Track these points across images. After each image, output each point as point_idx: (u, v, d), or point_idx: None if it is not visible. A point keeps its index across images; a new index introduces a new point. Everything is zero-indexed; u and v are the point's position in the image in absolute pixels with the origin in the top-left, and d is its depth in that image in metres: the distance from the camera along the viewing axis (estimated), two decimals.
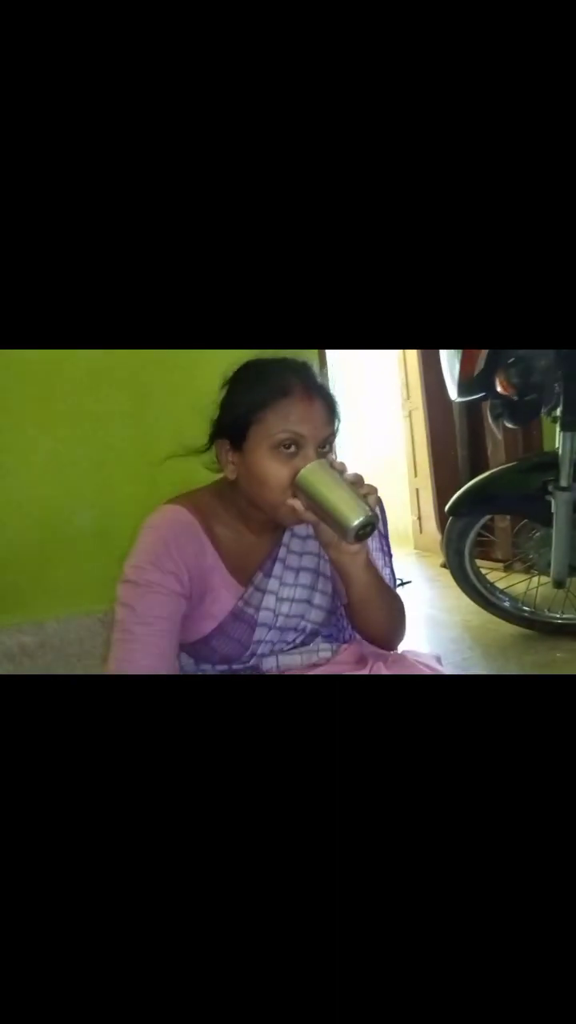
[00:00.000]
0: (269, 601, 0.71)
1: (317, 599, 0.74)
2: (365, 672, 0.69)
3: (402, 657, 0.75)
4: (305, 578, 0.73)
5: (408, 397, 2.81)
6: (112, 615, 1.72)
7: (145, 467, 1.57)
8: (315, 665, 0.76)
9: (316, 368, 0.66)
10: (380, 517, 0.83)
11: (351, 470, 0.63)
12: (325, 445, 0.64)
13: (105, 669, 0.63)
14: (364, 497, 0.60)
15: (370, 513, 0.59)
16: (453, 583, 1.46)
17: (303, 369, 0.63)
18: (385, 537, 0.84)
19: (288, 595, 0.72)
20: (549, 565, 1.26)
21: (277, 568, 0.71)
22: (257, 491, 0.63)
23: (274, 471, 0.61)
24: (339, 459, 0.65)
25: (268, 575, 0.71)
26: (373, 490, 0.62)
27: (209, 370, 0.72)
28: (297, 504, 0.60)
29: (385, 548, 0.84)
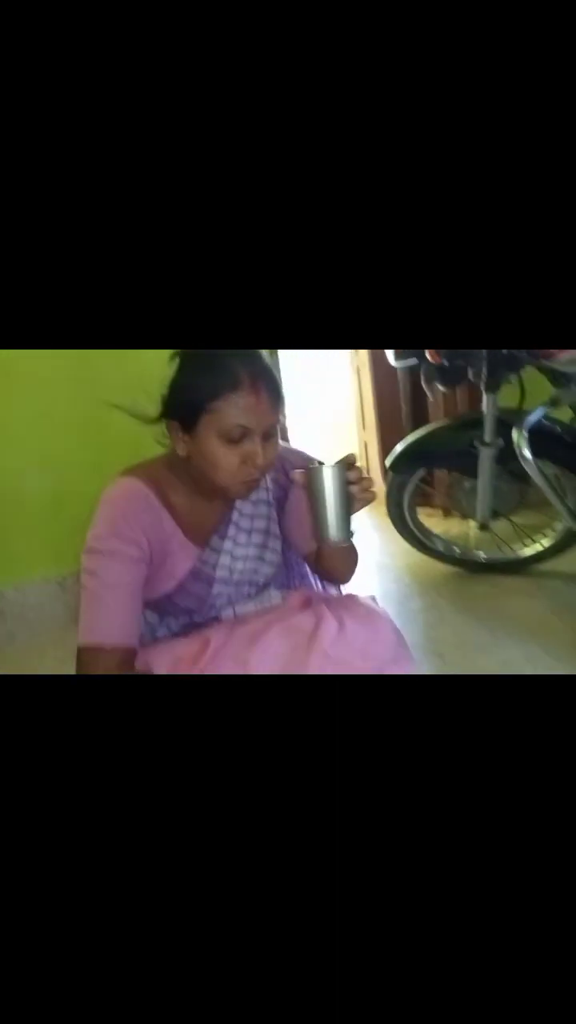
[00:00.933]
0: (224, 560, 0.78)
1: (268, 555, 0.82)
2: (310, 613, 0.80)
3: (343, 599, 0.86)
4: (256, 538, 0.81)
5: (356, 353, 2.85)
6: (70, 580, 1.77)
7: (93, 432, 1.58)
8: (268, 611, 0.86)
9: (260, 352, 0.69)
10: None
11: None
12: (270, 433, 0.69)
13: (78, 634, 0.69)
14: (352, 511, 0.66)
15: (348, 536, 0.66)
16: (394, 531, 1.61)
17: (249, 359, 0.66)
18: None
19: (241, 554, 0.80)
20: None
21: (231, 530, 0.79)
22: (209, 472, 0.69)
23: (224, 456, 0.67)
24: (355, 460, 0.68)
25: (223, 537, 0.78)
26: (372, 496, 0.67)
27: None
28: (297, 477, 0.67)
29: None
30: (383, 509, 1.63)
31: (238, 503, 0.79)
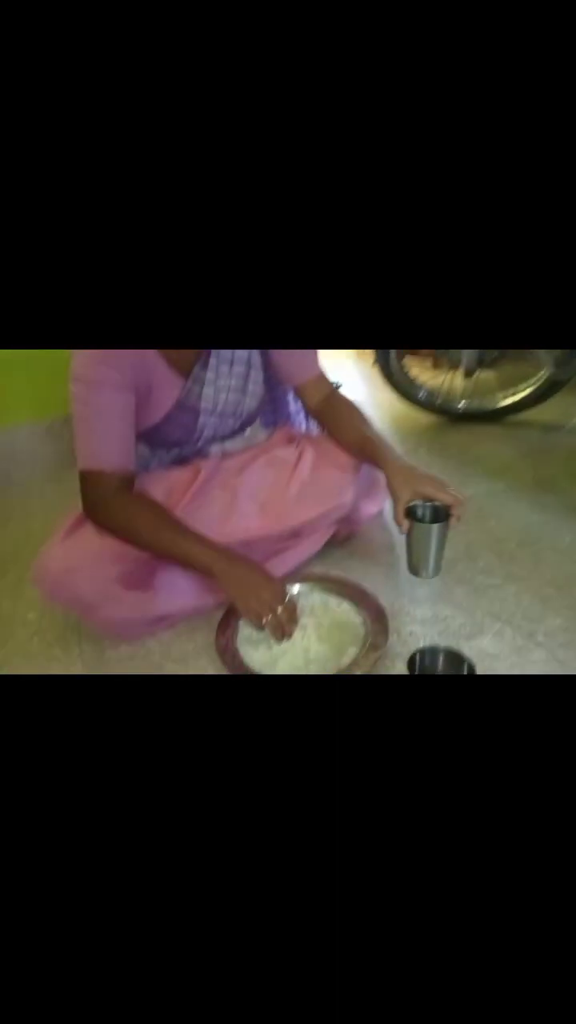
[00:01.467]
0: (208, 391, 0.81)
1: (251, 387, 0.85)
2: (293, 447, 0.87)
3: (322, 438, 0.92)
4: (239, 368, 0.83)
5: None
6: (57, 424, 1.77)
7: None
8: (254, 446, 0.92)
9: None
10: None
11: None
12: None
13: (77, 460, 0.74)
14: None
15: (434, 575, 0.84)
16: (380, 382, 1.61)
17: None
18: None
19: (224, 384, 0.82)
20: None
21: (212, 360, 0.80)
22: None
23: None
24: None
25: (204, 367, 0.80)
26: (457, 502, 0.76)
27: None
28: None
29: None
30: (371, 360, 1.61)
31: None
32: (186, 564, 0.73)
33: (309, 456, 0.85)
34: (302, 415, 1.00)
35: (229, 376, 0.82)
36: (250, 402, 0.87)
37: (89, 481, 0.74)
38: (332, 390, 0.88)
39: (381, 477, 0.82)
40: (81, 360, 0.71)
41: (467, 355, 1.38)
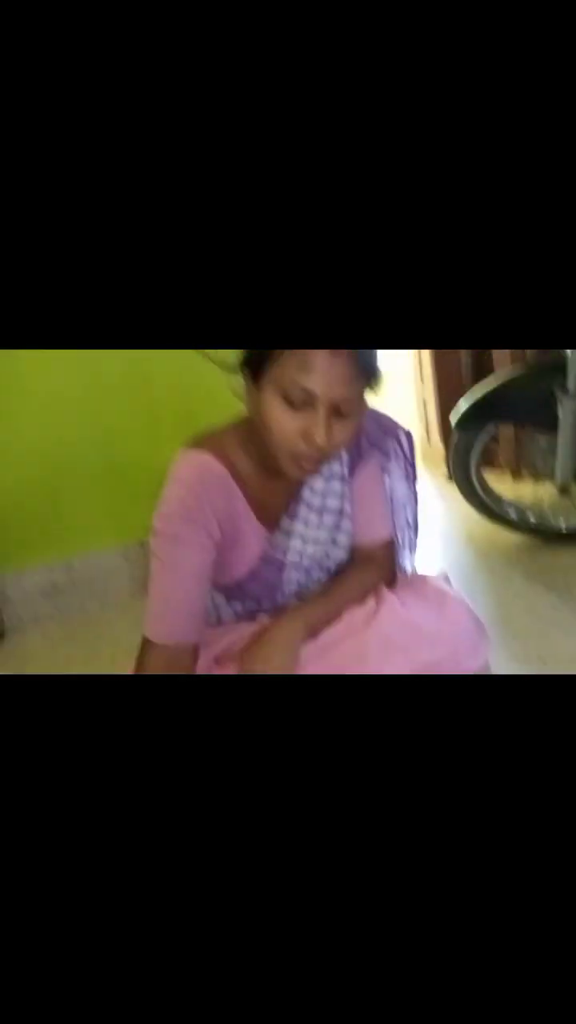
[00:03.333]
0: (296, 543, 0.72)
1: (341, 538, 0.75)
2: (374, 599, 0.73)
3: (410, 579, 0.79)
4: (329, 518, 0.74)
5: None
6: (133, 550, 1.80)
7: (145, 402, 1.56)
8: None
9: None
10: (410, 445, 0.83)
11: None
12: (344, 408, 0.58)
13: (144, 621, 0.66)
14: None
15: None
16: (456, 496, 1.48)
17: None
18: (413, 465, 0.83)
19: (313, 536, 0.73)
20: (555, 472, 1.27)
21: (302, 510, 0.72)
22: (265, 433, 0.61)
23: (279, 420, 0.58)
24: None
25: (293, 518, 0.72)
26: None
27: None
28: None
29: (411, 474, 0.84)
30: (443, 472, 1.51)
31: (309, 479, 0.72)
32: None
33: (392, 607, 0.71)
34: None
35: (319, 527, 0.74)
36: (339, 553, 0.77)
37: (150, 652, 0.66)
38: (384, 561, 0.77)
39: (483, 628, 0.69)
40: (164, 512, 0.64)
41: (560, 467, 1.24)
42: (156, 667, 0.65)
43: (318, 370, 0.56)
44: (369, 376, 0.61)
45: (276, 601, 0.77)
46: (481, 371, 1.92)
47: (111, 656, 1.23)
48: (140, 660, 0.66)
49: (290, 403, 0.57)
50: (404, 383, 2.93)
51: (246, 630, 0.75)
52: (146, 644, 0.66)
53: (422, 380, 2.71)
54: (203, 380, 0.66)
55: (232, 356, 0.64)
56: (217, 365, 0.66)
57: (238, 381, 0.65)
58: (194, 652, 0.67)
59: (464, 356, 2.01)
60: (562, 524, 1.40)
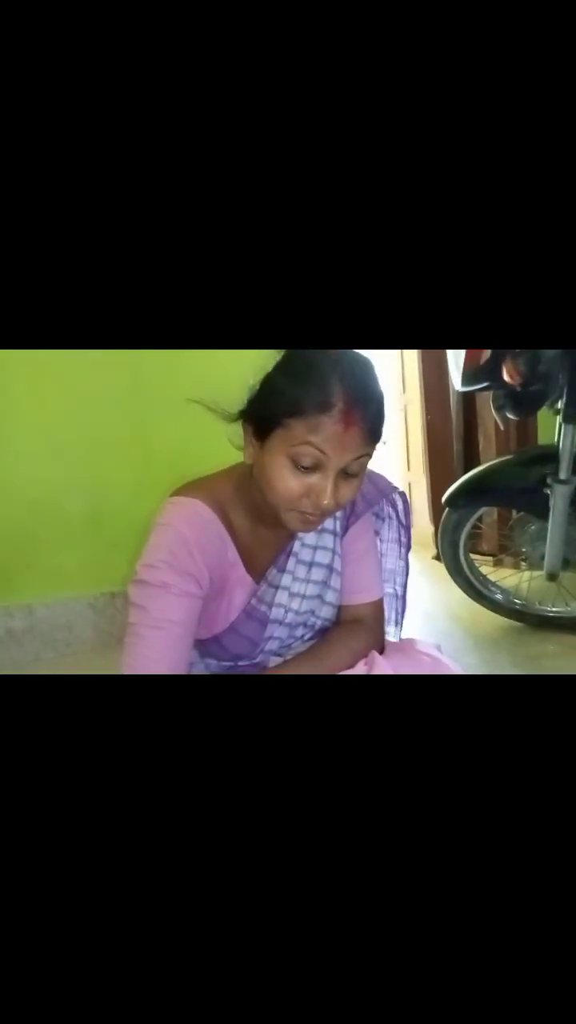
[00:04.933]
0: (282, 597, 0.68)
1: (329, 595, 0.71)
2: (365, 665, 0.68)
3: (402, 645, 0.74)
4: (318, 573, 0.70)
5: (404, 391, 2.80)
6: (102, 601, 1.69)
7: (139, 450, 1.55)
8: None
9: (371, 370, 0.58)
10: (406, 508, 0.81)
11: None
12: (352, 470, 0.57)
13: (120, 669, 0.59)
14: None
15: None
16: (442, 577, 1.47)
17: (353, 379, 0.54)
18: (407, 529, 0.81)
19: (300, 591, 0.69)
20: (542, 559, 1.27)
21: (291, 563, 0.68)
22: (267, 490, 0.59)
23: (285, 481, 0.56)
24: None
25: (281, 570, 0.68)
26: None
27: (206, 352, 0.68)
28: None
29: (404, 540, 0.82)
30: (430, 552, 1.51)
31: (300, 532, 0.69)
32: None
33: (382, 670, 0.65)
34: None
35: (306, 581, 0.69)
36: (326, 611, 0.72)
37: None
38: (373, 623, 0.73)
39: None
40: (149, 561, 0.59)
41: (551, 553, 1.24)
42: None
43: (332, 440, 0.54)
44: (377, 437, 0.60)
45: (253, 658, 0.70)
46: (470, 461, 2.00)
47: None
48: None
49: (296, 466, 0.56)
50: (391, 470, 3.03)
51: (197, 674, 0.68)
52: None
53: (409, 467, 2.81)
54: (199, 435, 0.66)
55: (231, 407, 0.63)
56: (218, 415, 0.64)
57: (236, 430, 0.63)
58: None
59: (456, 444, 2.10)
60: (548, 610, 1.38)
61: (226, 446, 0.68)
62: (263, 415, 0.58)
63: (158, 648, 0.58)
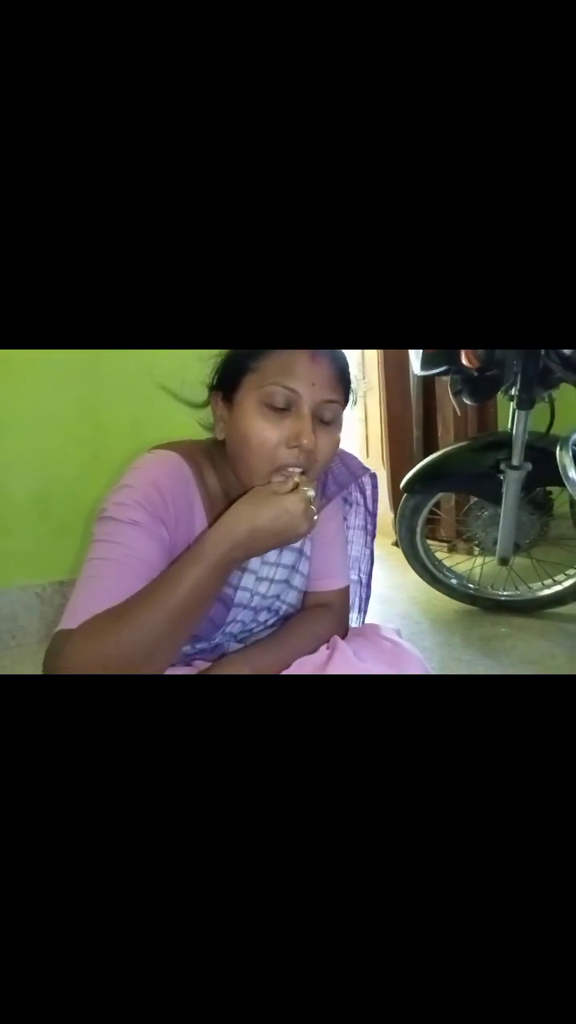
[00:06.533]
0: (248, 580, 0.65)
1: (296, 580, 0.69)
2: (327, 648, 0.67)
3: (363, 629, 0.74)
4: (288, 557, 0.68)
5: (364, 377, 2.80)
6: (49, 590, 1.61)
7: (89, 431, 1.47)
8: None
9: None
10: (374, 493, 0.80)
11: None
12: (326, 415, 0.56)
13: (67, 612, 0.52)
14: None
15: None
16: (400, 563, 1.49)
17: None
18: (373, 516, 0.81)
19: (268, 575, 0.66)
20: (495, 544, 1.31)
21: None
22: (241, 454, 0.56)
23: (259, 430, 0.54)
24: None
25: None
26: None
27: None
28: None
29: (369, 527, 0.81)
30: (390, 539, 1.52)
31: None
32: (201, 590, 0.51)
33: (345, 657, 0.64)
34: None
35: (276, 565, 0.67)
36: (292, 596, 0.70)
37: (58, 648, 0.51)
38: (339, 609, 0.73)
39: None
40: (118, 498, 0.54)
41: (503, 537, 1.28)
42: (78, 666, 0.49)
43: (299, 371, 0.53)
44: (346, 385, 0.59)
45: (213, 641, 0.68)
46: (428, 447, 2.03)
47: None
48: (56, 656, 0.50)
49: (271, 407, 0.54)
50: (352, 452, 3.04)
51: (176, 674, 0.65)
52: (57, 638, 0.51)
53: (368, 453, 2.83)
54: (154, 412, 0.62)
55: (199, 395, 0.60)
56: (186, 403, 0.62)
57: (205, 414, 0.61)
58: None
59: (415, 431, 2.12)
60: (500, 593, 1.42)
61: (183, 424, 0.64)
62: (230, 369, 0.56)
63: (122, 584, 0.51)
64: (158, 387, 0.63)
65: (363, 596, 0.88)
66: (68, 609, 0.51)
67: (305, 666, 0.63)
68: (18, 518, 1.42)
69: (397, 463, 2.21)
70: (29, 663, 1.29)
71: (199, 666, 0.66)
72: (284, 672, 0.62)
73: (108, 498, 0.56)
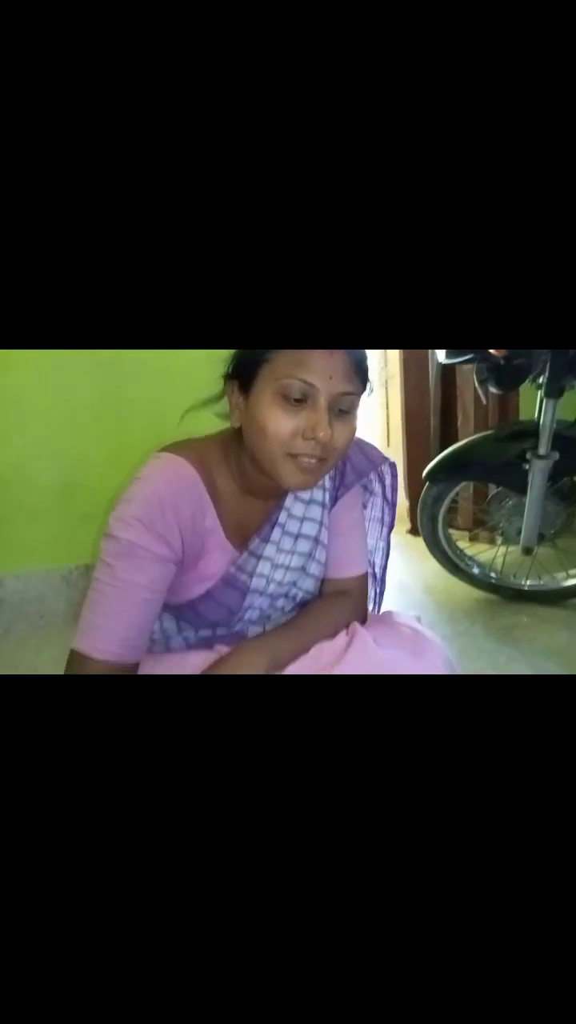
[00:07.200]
0: (264, 568, 0.66)
1: (313, 568, 0.70)
2: (347, 635, 0.68)
3: (383, 617, 0.74)
4: (304, 545, 0.68)
5: (386, 365, 2.77)
6: (75, 574, 1.66)
7: (113, 419, 1.49)
8: None
9: None
10: (393, 483, 0.80)
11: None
12: (343, 406, 0.56)
13: (78, 633, 0.57)
14: None
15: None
16: (418, 550, 1.48)
17: None
18: (392, 506, 0.81)
19: (284, 562, 0.67)
20: (519, 533, 1.29)
21: (276, 533, 0.66)
22: (257, 442, 0.57)
23: (275, 420, 0.54)
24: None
25: (266, 540, 0.66)
26: None
27: None
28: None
29: (387, 519, 0.81)
30: (405, 526, 1.52)
31: (288, 502, 0.67)
32: None
33: (364, 644, 0.65)
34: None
35: (291, 552, 0.67)
36: (309, 583, 0.71)
37: (83, 669, 0.56)
38: (358, 596, 0.73)
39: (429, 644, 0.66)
40: (122, 515, 0.56)
41: (528, 527, 1.26)
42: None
43: (316, 364, 0.54)
44: (363, 376, 0.59)
45: (232, 628, 0.69)
46: (448, 438, 2.00)
47: None
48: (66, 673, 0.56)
49: (287, 399, 0.54)
50: (372, 441, 3.02)
51: (198, 659, 0.66)
52: (78, 660, 0.56)
53: (388, 442, 2.80)
54: (176, 403, 0.63)
55: (216, 395, 0.62)
56: (207, 402, 0.63)
57: (221, 403, 0.62)
58: (127, 670, 0.58)
59: (433, 419, 2.09)
60: (523, 582, 1.41)
61: (203, 415, 0.65)
62: (246, 359, 0.56)
63: (124, 608, 0.56)
64: (185, 412, 0.64)
65: (378, 591, 0.88)
66: (79, 627, 0.57)
67: (324, 652, 0.64)
68: (45, 505, 1.46)
69: (414, 451, 2.19)
70: (56, 641, 1.33)
71: (220, 650, 0.67)
72: (302, 657, 0.64)
73: (114, 511, 0.58)
